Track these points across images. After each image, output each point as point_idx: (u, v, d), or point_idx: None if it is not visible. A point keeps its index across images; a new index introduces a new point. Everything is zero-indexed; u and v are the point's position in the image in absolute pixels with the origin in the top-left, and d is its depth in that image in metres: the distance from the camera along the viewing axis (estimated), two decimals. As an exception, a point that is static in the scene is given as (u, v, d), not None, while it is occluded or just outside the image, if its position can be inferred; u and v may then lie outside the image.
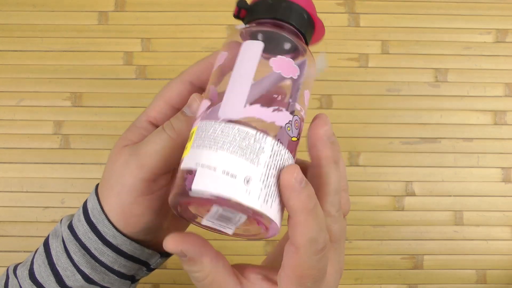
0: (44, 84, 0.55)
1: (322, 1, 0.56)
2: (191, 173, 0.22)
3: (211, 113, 0.24)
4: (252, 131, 0.22)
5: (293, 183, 0.22)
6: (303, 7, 0.26)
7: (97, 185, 0.30)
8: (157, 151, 0.27)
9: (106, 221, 0.28)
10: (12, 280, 0.31)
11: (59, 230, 0.31)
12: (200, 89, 0.30)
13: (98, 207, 0.29)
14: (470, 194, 0.54)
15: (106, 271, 0.30)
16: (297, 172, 0.22)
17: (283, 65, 0.24)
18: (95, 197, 0.29)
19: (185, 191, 0.22)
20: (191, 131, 0.25)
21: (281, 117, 0.24)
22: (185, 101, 0.29)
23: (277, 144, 0.23)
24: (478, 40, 0.56)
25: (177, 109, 0.30)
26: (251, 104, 0.23)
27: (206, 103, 0.25)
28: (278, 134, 0.23)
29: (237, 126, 0.23)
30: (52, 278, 0.30)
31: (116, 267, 0.30)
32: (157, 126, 0.29)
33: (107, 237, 0.29)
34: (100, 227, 0.29)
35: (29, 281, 0.30)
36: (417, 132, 0.55)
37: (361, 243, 0.53)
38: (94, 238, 0.29)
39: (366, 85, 0.55)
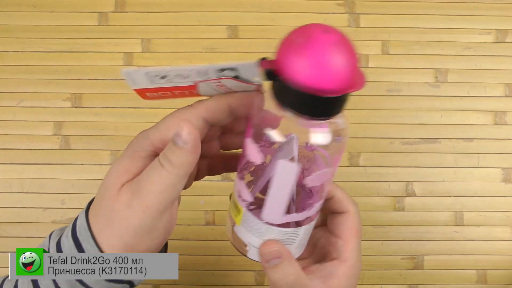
0: (44, 85, 0.55)
1: (322, 1, 0.56)
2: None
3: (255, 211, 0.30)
4: (289, 230, 0.30)
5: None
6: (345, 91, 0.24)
7: (89, 204, 0.30)
8: (161, 191, 0.26)
9: (90, 239, 0.28)
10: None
11: (46, 245, 0.30)
12: (211, 126, 0.29)
13: (85, 224, 0.28)
14: (470, 195, 0.54)
15: None
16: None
17: (317, 179, 0.29)
18: (84, 215, 0.28)
19: (245, 253, 0.32)
20: (238, 208, 0.30)
21: (311, 212, 0.30)
22: (196, 138, 0.27)
23: (308, 227, 0.31)
24: (478, 40, 0.56)
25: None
26: (287, 213, 0.29)
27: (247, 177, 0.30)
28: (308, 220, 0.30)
29: (277, 228, 0.29)
30: None
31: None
32: None
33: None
34: (84, 244, 0.28)
35: None
36: (418, 132, 0.55)
37: (362, 243, 0.53)
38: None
39: (366, 85, 0.55)
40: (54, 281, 0.29)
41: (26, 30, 0.56)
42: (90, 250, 0.28)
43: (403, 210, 0.54)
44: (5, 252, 0.53)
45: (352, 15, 0.56)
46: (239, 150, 0.31)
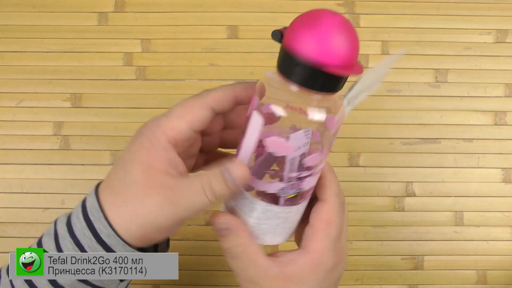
0: (44, 85, 0.55)
1: (322, 1, 0.56)
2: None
3: None
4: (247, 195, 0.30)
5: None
6: (335, 69, 0.25)
7: (96, 186, 0.30)
8: (195, 211, 0.28)
9: (103, 219, 0.29)
10: (4, 279, 0.31)
11: (52, 229, 0.31)
12: (220, 115, 0.31)
13: (97, 205, 0.29)
14: (470, 195, 0.54)
15: None
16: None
17: (275, 145, 0.28)
18: (94, 197, 0.29)
19: None
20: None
21: (272, 186, 0.29)
22: (205, 126, 0.30)
23: (267, 204, 0.30)
24: (478, 40, 0.56)
25: (197, 132, 0.30)
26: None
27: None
28: (269, 196, 0.30)
29: (261, 203, 0.30)
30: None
31: None
32: (177, 148, 0.29)
33: (102, 235, 0.29)
34: (96, 224, 0.29)
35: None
36: (418, 132, 0.55)
37: (362, 243, 0.53)
38: (89, 235, 0.29)
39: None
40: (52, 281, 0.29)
41: (26, 30, 0.56)
42: (103, 230, 0.29)
43: (403, 210, 0.54)
44: (5, 252, 0.53)
45: (352, 15, 0.56)
46: (235, 151, 0.32)
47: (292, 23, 0.26)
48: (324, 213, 0.30)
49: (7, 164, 0.54)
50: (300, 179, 0.29)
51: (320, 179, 0.31)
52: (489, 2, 0.57)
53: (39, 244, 0.31)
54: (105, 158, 0.54)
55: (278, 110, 0.27)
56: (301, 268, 0.30)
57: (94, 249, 0.29)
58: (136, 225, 0.29)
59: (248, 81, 0.30)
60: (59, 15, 0.56)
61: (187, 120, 0.29)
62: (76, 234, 0.29)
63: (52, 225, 0.31)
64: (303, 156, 0.29)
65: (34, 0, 0.56)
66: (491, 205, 0.54)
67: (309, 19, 0.25)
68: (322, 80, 0.25)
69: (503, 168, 0.54)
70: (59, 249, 0.30)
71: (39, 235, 0.53)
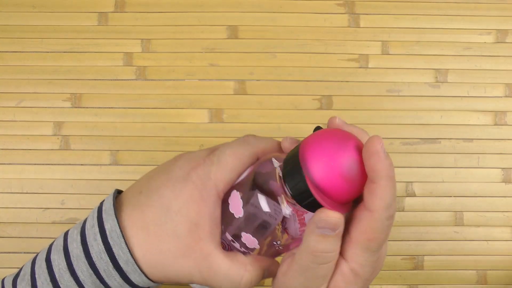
0: (44, 85, 0.55)
1: (322, 1, 0.56)
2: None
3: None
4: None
5: (379, 149, 0.24)
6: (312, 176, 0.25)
7: (114, 201, 0.29)
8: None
9: (123, 246, 0.28)
10: None
11: (61, 245, 0.30)
12: None
13: (118, 230, 0.28)
14: (470, 195, 0.54)
15: None
16: (382, 143, 0.25)
17: (232, 199, 0.28)
18: (115, 219, 0.28)
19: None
20: None
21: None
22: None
23: None
24: (478, 40, 0.56)
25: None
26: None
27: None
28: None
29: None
30: None
31: None
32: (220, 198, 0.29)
33: (120, 261, 0.28)
34: (115, 249, 0.28)
35: None
36: (417, 132, 0.55)
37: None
38: (106, 259, 0.28)
39: (366, 85, 0.55)
40: (78, 280, 0.28)
41: (25, 30, 0.56)
42: (122, 256, 0.28)
43: (403, 210, 0.54)
44: (5, 253, 0.53)
45: (352, 15, 0.56)
46: None
47: (318, 136, 0.26)
48: (366, 226, 0.26)
49: (7, 164, 0.54)
50: (233, 242, 0.29)
51: (372, 185, 0.26)
52: (489, 2, 0.57)
53: (48, 262, 0.30)
54: (105, 158, 0.54)
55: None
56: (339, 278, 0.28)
57: (109, 274, 0.28)
58: (160, 270, 0.28)
59: (293, 138, 0.29)
60: (59, 15, 0.56)
61: (237, 172, 0.28)
62: (92, 256, 0.28)
63: (61, 240, 0.30)
64: (248, 229, 0.28)
65: (34, 0, 0.56)
66: (491, 205, 0.54)
67: (334, 143, 0.25)
68: (312, 203, 0.25)
69: (503, 168, 0.54)
70: (71, 269, 0.29)
71: (39, 235, 0.54)
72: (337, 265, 0.27)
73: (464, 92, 0.55)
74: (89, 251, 0.28)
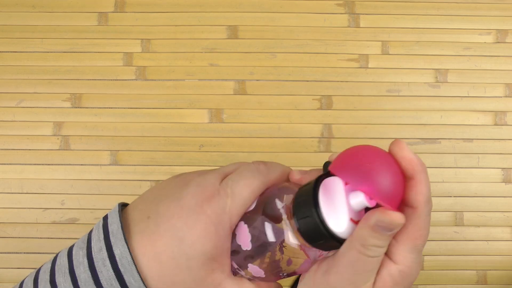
0: (44, 85, 0.55)
1: (322, 1, 0.56)
2: None
3: None
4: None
5: (407, 148, 0.26)
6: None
7: (121, 224, 0.28)
8: None
9: (135, 273, 0.27)
10: None
11: (66, 266, 0.29)
12: None
13: (129, 257, 0.27)
14: (470, 195, 0.54)
15: None
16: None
17: (239, 230, 0.28)
18: (125, 245, 0.27)
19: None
20: None
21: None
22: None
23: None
24: (478, 40, 0.56)
25: None
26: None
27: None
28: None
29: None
30: None
31: None
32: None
33: None
34: (126, 277, 0.27)
35: None
36: (418, 132, 0.55)
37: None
38: (117, 286, 0.27)
39: (366, 85, 0.55)
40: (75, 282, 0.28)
41: (25, 31, 0.56)
42: (134, 284, 0.27)
43: (403, 211, 0.54)
44: (5, 253, 0.53)
45: (352, 15, 0.56)
46: None
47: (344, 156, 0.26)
48: (411, 225, 0.26)
49: (7, 164, 0.54)
50: (238, 270, 0.29)
51: (411, 181, 0.26)
52: (489, 2, 0.57)
53: (53, 283, 0.28)
54: (105, 158, 0.54)
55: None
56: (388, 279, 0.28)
57: None
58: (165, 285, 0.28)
59: (302, 171, 0.30)
60: (59, 15, 0.56)
61: (250, 204, 0.28)
62: (102, 283, 0.27)
63: (65, 261, 0.29)
64: (255, 261, 0.29)
65: (34, 0, 0.56)
66: (491, 205, 0.54)
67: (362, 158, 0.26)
68: (326, 243, 0.26)
69: (503, 168, 0.54)
70: None
71: (39, 236, 0.54)
72: (384, 265, 0.27)
73: (464, 92, 0.55)
74: (98, 277, 0.27)
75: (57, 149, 0.54)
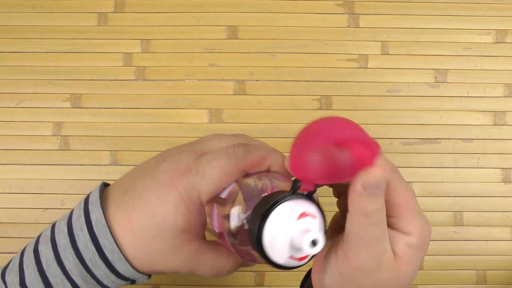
0: (44, 86, 0.55)
1: (321, 1, 0.56)
2: None
3: None
4: None
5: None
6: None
7: (100, 194, 0.30)
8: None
9: (109, 235, 0.28)
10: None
11: (48, 236, 0.30)
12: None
13: (103, 220, 0.29)
14: (470, 195, 0.54)
15: (96, 283, 0.30)
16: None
17: (214, 220, 0.30)
18: (101, 211, 0.29)
19: None
20: None
21: None
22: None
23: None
24: (478, 40, 0.56)
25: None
26: None
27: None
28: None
29: None
30: (41, 285, 0.29)
31: (105, 282, 0.30)
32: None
33: (105, 251, 0.29)
34: (101, 239, 0.29)
35: (19, 287, 0.30)
36: (417, 132, 0.55)
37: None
38: (92, 249, 0.29)
39: (365, 86, 0.55)
40: (65, 270, 0.29)
41: (25, 31, 0.56)
42: (107, 246, 0.28)
43: (402, 211, 0.54)
44: (5, 253, 0.53)
45: (352, 15, 0.56)
46: None
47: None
48: (396, 197, 0.27)
49: (7, 164, 0.54)
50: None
51: (393, 200, 0.27)
52: (489, 2, 0.57)
53: (36, 253, 0.30)
54: (105, 158, 0.54)
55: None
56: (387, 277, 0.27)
57: (95, 264, 0.29)
58: (147, 265, 0.29)
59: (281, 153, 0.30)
60: (58, 16, 0.56)
61: (222, 185, 0.28)
62: (79, 246, 0.29)
63: (48, 231, 0.31)
64: (225, 241, 0.29)
65: (34, 0, 0.56)
66: (490, 205, 0.54)
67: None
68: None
69: (502, 168, 0.54)
70: (58, 259, 0.29)
71: (38, 236, 0.53)
72: (399, 238, 0.28)
73: (464, 92, 0.55)
74: (75, 241, 0.29)
75: (57, 149, 0.54)
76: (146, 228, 0.28)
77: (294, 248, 0.25)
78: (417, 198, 0.54)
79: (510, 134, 0.55)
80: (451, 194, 0.54)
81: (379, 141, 0.55)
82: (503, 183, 0.54)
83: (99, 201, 0.29)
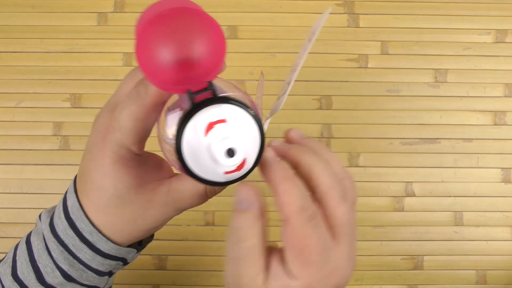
0: (44, 85, 0.55)
1: (321, 1, 0.56)
2: None
3: None
4: None
5: (269, 158, 0.26)
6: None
7: (74, 180, 0.30)
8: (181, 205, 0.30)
9: (84, 217, 0.29)
10: None
11: (39, 227, 0.31)
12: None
13: (77, 204, 0.29)
14: (470, 195, 0.54)
15: (84, 268, 0.30)
16: (270, 151, 0.26)
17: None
18: (74, 195, 0.30)
19: None
20: None
21: None
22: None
23: None
24: (478, 40, 0.56)
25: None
26: None
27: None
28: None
29: None
30: (32, 275, 0.30)
31: (93, 265, 0.30)
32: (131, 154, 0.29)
33: (84, 234, 0.29)
34: (78, 223, 0.29)
35: (11, 277, 0.30)
36: (417, 132, 0.55)
37: (362, 243, 0.53)
38: (72, 234, 0.29)
39: (365, 85, 0.55)
40: (53, 259, 0.30)
41: (25, 31, 0.56)
42: (85, 228, 0.29)
43: (402, 211, 0.54)
44: (5, 253, 0.53)
45: (352, 15, 0.56)
46: None
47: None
48: (289, 239, 0.24)
49: (7, 164, 0.54)
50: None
51: (274, 193, 0.25)
52: (489, 2, 0.57)
53: (28, 244, 0.31)
54: (105, 158, 0.54)
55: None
56: None
57: (78, 248, 0.29)
58: (128, 233, 0.29)
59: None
60: (58, 16, 0.56)
61: (141, 130, 0.27)
62: (59, 235, 0.29)
63: (38, 222, 0.32)
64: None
65: (34, 0, 0.56)
66: (490, 205, 0.54)
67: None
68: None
69: (502, 168, 0.54)
70: (48, 250, 0.30)
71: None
72: (279, 279, 0.25)
73: (464, 92, 0.55)
74: (55, 230, 0.30)
75: (57, 149, 0.54)
76: (107, 204, 0.29)
77: (217, 162, 0.23)
78: (417, 198, 0.54)
79: (510, 134, 0.55)
80: (451, 194, 0.54)
81: (379, 141, 0.55)
82: (503, 183, 0.54)
83: (73, 187, 0.30)
